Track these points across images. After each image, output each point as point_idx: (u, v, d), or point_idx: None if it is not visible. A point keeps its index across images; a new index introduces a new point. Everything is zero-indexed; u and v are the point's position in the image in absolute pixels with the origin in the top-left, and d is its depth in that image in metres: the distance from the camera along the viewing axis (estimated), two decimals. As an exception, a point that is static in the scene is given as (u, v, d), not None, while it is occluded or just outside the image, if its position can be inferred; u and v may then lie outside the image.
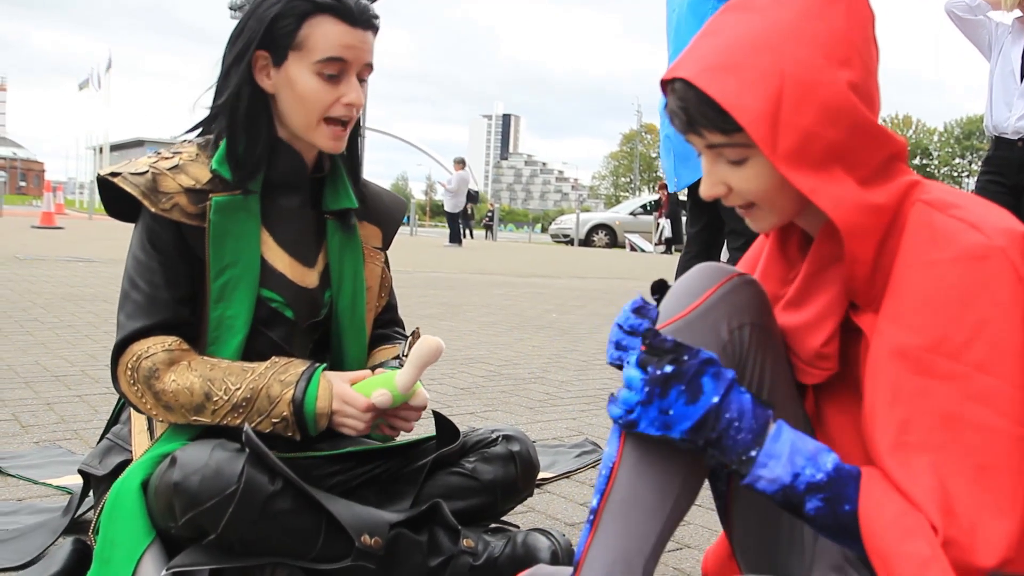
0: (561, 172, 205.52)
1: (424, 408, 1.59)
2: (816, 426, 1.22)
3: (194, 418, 1.48)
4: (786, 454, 1.02)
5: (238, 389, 1.47)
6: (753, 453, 1.02)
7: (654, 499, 1.12)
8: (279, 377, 1.49)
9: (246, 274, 1.54)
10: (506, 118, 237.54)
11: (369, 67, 1.55)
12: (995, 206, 1.06)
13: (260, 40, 1.50)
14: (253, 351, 1.54)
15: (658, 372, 1.03)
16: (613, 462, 1.14)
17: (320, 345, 1.69)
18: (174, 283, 1.51)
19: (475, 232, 29.67)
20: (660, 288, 1.27)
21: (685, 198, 3.84)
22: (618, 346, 1.28)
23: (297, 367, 1.51)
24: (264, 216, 1.58)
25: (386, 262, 1.79)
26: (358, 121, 1.63)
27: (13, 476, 2.16)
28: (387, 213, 1.78)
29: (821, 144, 1.03)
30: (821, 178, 1.04)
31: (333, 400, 1.49)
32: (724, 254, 3.82)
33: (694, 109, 1.07)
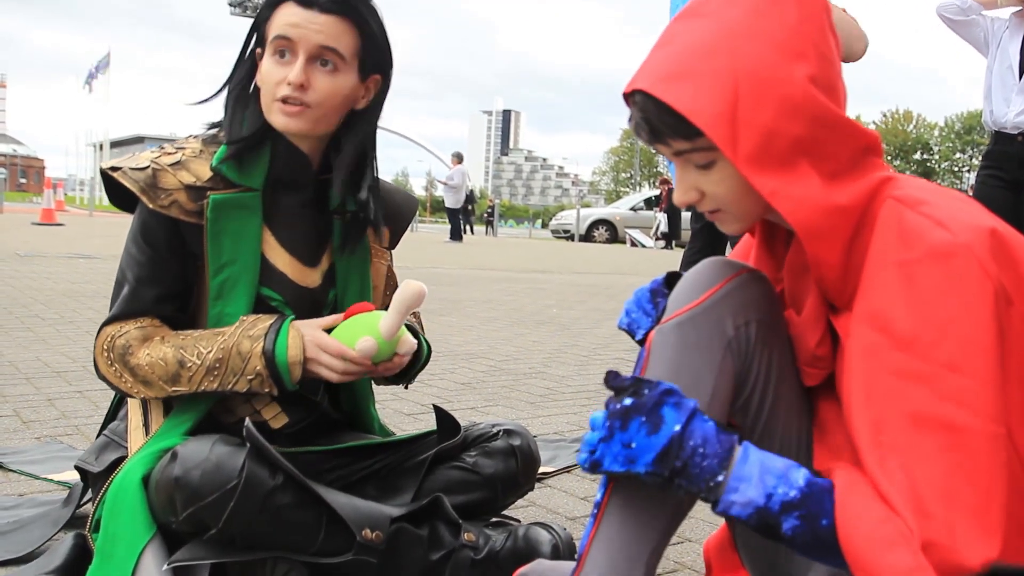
0: (561, 168, 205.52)
1: (412, 352, 1.55)
2: (815, 429, 1.21)
3: (172, 388, 1.48)
4: (756, 475, 1.00)
5: (209, 352, 1.47)
6: (720, 478, 1.01)
7: (658, 493, 1.12)
8: (247, 333, 1.48)
9: (245, 272, 1.54)
10: (506, 113, 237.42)
11: (328, 50, 1.49)
12: (967, 201, 1.05)
13: (257, 40, 1.54)
14: None
15: (617, 406, 1.03)
16: None
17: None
18: (158, 280, 1.53)
19: (475, 228, 29.65)
20: (674, 281, 1.27)
21: None
22: (629, 315, 1.28)
23: (265, 321, 1.50)
24: (267, 215, 1.57)
25: (391, 260, 1.79)
26: (370, 122, 1.61)
27: (14, 471, 2.16)
28: (397, 212, 1.77)
29: (783, 141, 1.03)
30: (784, 179, 1.04)
31: (307, 347, 1.48)
32: (729, 249, 3.82)
33: (655, 119, 1.07)
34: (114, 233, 13.86)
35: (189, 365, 1.47)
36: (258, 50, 1.55)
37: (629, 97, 1.10)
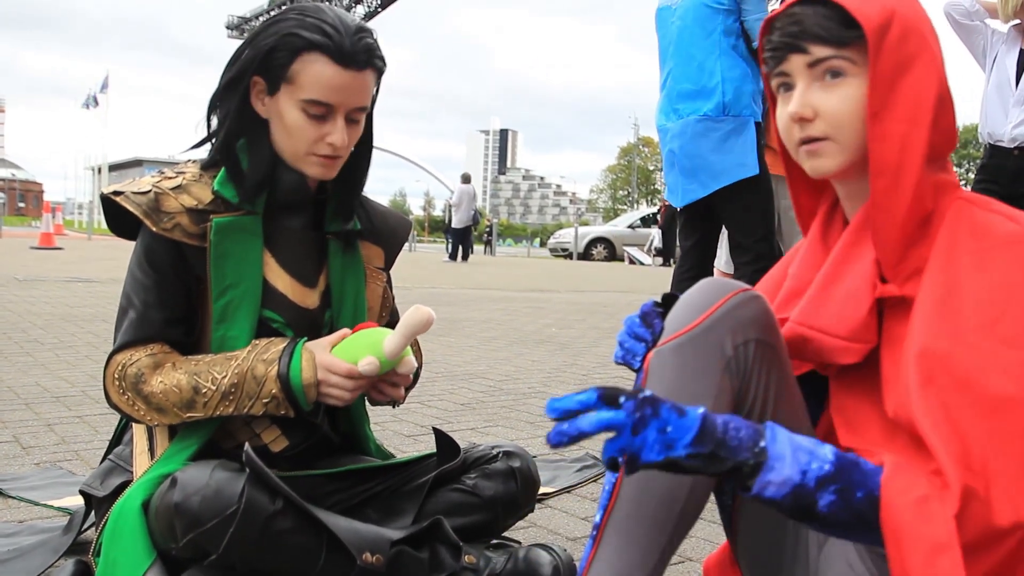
0: (559, 186, 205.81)
1: (412, 372, 1.58)
2: (837, 413, 1.23)
3: (187, 415, 1.48)
4: (789, 453, 0.96)
5: (224, 377, 1.47)
6: (763, 443, 0.96)
7: (658, 513, 1.12)
8: (261, 357, 1.49)
9: (248, 295, 1.54)
10: (503, 133, 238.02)
11: (361, 110, 1.54)
12: None
13: (256, 67, 1.51)
14: None
15: (641, 396, 0.95)
16: (616, 476, 1.14)
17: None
18: (166, 303, 1.52)
19: (474, 247, 29.66)
20: (669, 302, 1.27)
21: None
22: (623, 347, 1.27)
23: (278, 344, 1.51)
24: (266, 237, 1.58)
25: (388, 282, 1.79)
26: (368, 149, 1.65)
27: (14, 498, 2.15)
28: (390, 233, 1.78)
29: (912, 79, 1.11)
30: (890, 111, 1.11)
31: (321, 371, 1.49)
32: (720, 261, 3.82)
33: (811, 20, 1.14)
34: (112, 256, 13.87)
35: (204, 391, 1.47)
36: (256, 77, 1.53)
37: (782, 13, 1.17)
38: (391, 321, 1.82)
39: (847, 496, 0.97)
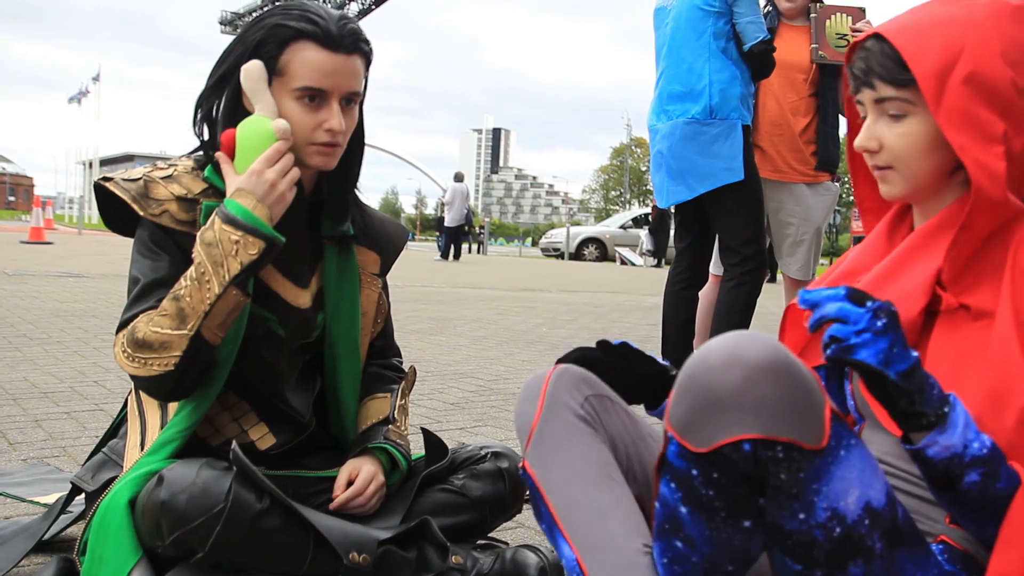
0: (551, 186, 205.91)
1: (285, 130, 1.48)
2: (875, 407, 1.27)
3: (189, 327, 1.42)
4: (962, 425, 1.04)
5: (189, 271, 1.44)
6: (946, 409, 1.04)
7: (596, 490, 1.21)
8: (202, 236, 1.44)
9: None
10: (496, 132, 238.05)
11: (355, 94, 1.54)
12: None
13: (246, 63, 1.50)
14: (243, 367, 1.54)
15: (887, 306, 1.03)
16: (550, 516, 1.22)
17: (311, 366, 1.69)
18: (169, 278, 1.49)
19: (467, 246, 29.62)
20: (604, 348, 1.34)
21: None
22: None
23: (212, 206, 1.49)
24: None
25: (384, 288, 1.79)
26: (360, 144, 1.65)
27: (0, 494, 2.15)
28: (388, 240, 1.78)
29: (983, 117, 1.15)
30: (972, 140, 1.15)
31: (254, 183, 1.44)
32: (714, 265, 3.83)
33: (875, 61, 1.21)
34: (103, 252, 13.83)
35: (183, 294, 1.43)
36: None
37: (859, 45, 1.24)
38: (385, 329, 1.83)
39: (990, 481, 1.04)
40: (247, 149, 1.48)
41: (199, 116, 1.57)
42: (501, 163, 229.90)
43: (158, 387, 1.47)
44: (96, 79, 37.54)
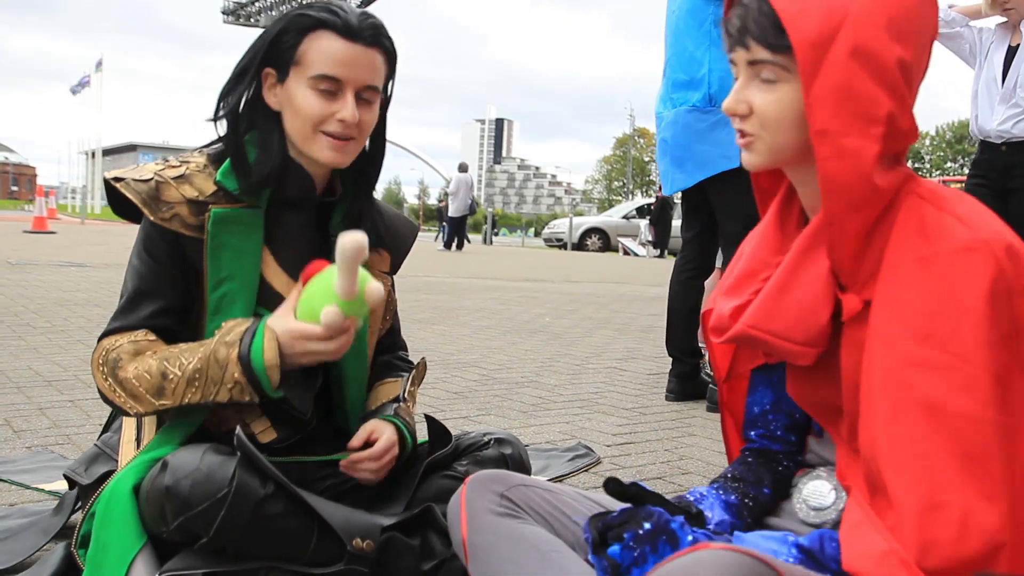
0: (554, 176, 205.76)
1: (381, 296, 1.40)
2: (802, 404, 1.24)
3: (159, 402, 1.44)
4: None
5: (190, 363, 1.44)
6: None
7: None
8: (224, 340, 1.44)
9: (243, 290, 1.53)
10: (499, 122, 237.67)
11: (373, 89, 1.51)
12: (980, 204, 1.09)
13: (266, 56, 1.50)
14: None
15: (641, 532, 1.08)
16: None
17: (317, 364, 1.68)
18: (158, 292, 1.52)
19: (469, 237, 29.59)
20: (614, 487, 1.24)
21: (679, 202, 3.86)
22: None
23: (241, 325, 1.46)
24: (267, 234, 1.56)
25: (392, 286, 1.78)
26: (380, 148, 1.63)
27: (5, 481, 2.15)
28: (398, 238, 1.77)
29: (858, 96, 1.06)
30: (840, 128, 1.06)
31: (292, 343, 1.40)
32: (720, 260, 3.83)
33: (752, 19, 1.11)
34: (105, 242, 13.84)
35: (171, 377, 1.44)
36: (268, 69, 1.52)
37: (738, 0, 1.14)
38: (393, 326, 1.82)
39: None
40: (312, 298, 1.41)
41: (222, 109, 1.55)
42: (504, 153, 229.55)
43: (121, 413, 1.52)
44: (99, 66, 37.44)
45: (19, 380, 3.40)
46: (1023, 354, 1.00)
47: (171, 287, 1.52)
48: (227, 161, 1.54)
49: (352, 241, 1.32)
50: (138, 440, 1.54)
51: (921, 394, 1.00)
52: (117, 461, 1.55)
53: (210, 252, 1.51)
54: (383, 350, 1.80)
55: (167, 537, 1.36)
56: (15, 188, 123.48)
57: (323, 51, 1.47)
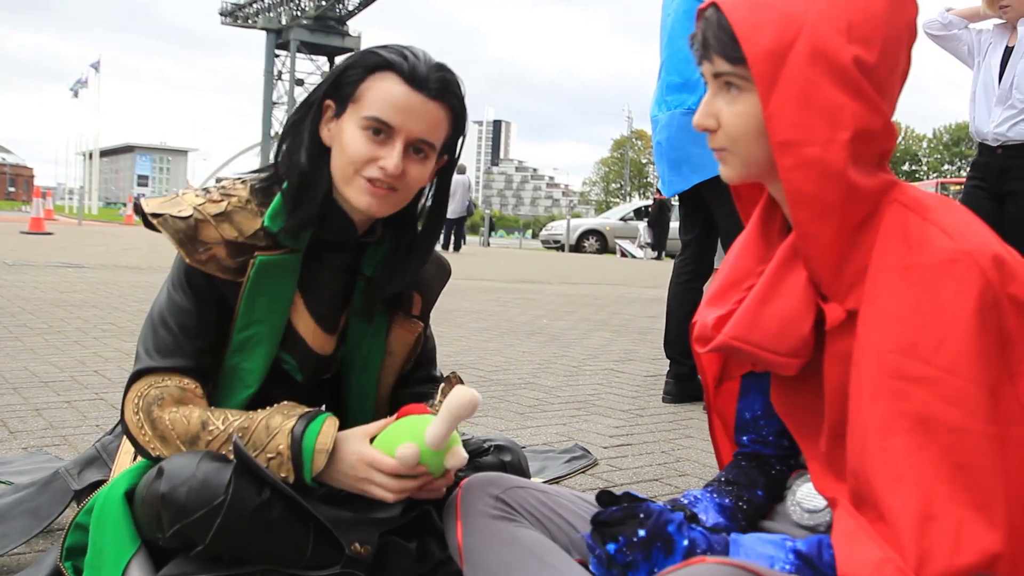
0: (552, 178, 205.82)
1: (463, 465, 1.42)
2: (784, 415, 1.24)
3: (188, 450, 1.40)
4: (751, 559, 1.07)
5: (237, 420, 1.41)
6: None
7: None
8: (282, 411, 1.42)
9: (270, 334, 1.50)
10: (496, 124, 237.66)
11: (428, 145, 1.44)
12: (969, 213, 1.08)
13: (329, 88, 1.45)
14: (256, 404, 1.50)
15: (635, 539, 1.09)
16: None
17: (325, 400, 1.68)
18: (204, 330, 1.47)
19: (466, 237, 29.60)
20: (607, 499, 1.24)
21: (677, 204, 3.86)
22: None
23: (303, 408, 1.44)
24: (301, 278, 1.53)
25: (426, 329, 1.72)
26: (437, 217, 1.58)
27: (1, 482, 2.14)
28: (430, 281, 1.70)
29: (820, 104, 1.05)
30: (802, 137, 1.05)
31: (356, 464, 1.38)
32: (717, 260, 3.83)
33: (711, 33, 1.12)
34: (103, 243, 13.82)
35: (211, 428, 1.40)
36: (328, 101, 1.47)
37: (702, 12, 1.15)
38: (422, 360, 1.74)
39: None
40: (397, 432, 1.39)
41: (283, 145, 1.50)
42: (502, 155, 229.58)
43: (141, 452, 1.46)
44: (96, 68, 37.41)
45: (15, 381, 3.39)
46: (1012, 363, 1.00)
47: (212, 324, 1.48)
48: (276, 200, 1.49)
49: (468, 396, 1.32)
50: (136, 452, 1.53)
51: (909, 407, 0.99)
52: (111, 468, 1.54)
53: (246, 297, 1.47)
54: (414, 383, 1.74)
55: (163, 544, 1.36)
56: (12, 189, 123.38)
57: (382, 93, 1.41)
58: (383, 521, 1.49)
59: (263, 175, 1.52)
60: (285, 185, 1.48)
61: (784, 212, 1.22)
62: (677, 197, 3.71)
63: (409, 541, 1.50)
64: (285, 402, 1.45)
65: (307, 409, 1.43)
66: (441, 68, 1.44)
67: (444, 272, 1.74)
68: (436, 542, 1.51)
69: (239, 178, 1.55)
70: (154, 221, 1.46)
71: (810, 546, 1.07)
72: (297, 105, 1.51)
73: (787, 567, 1.05)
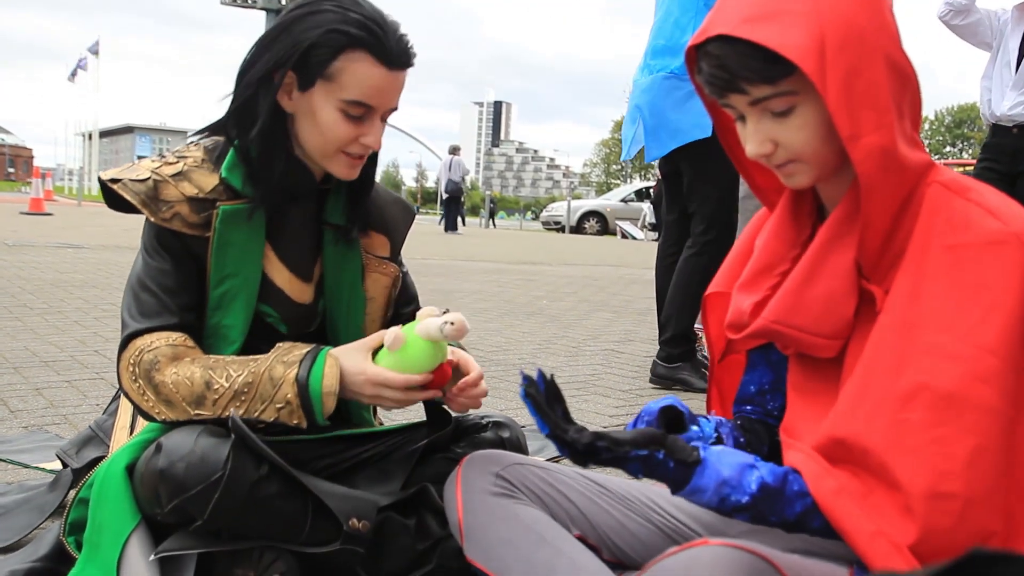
0: (552, 159, 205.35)
1: (460, 338, 1.45)
2: (794, 391, 1.24)
3: (196, 412, 1.41)
4: (712, 487, 1.05)
5: (240, 375, 1.42)
6: (690, 482, 1.06)
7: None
8: (282, 359, 1.43)
9: (246, 286, 1.51)
10: (497, 105, 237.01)
11: (394, 110, 1.50)
12: (1002, 194, 1.09)
13: (294, 63, 1.42)
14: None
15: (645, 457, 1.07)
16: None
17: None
18: (184, 288, 1.48)
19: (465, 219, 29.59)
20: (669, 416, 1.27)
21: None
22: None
23: (301, 348, 1.45)
24: (268, 229, 1.54)
25: (400, 269, 1.73)
26: (375, 153, 1.60)
27: (3, 460, 2.15)
28: (394, 222, 1.73)
29: (866, 84, 1.04)
30: (862, 122, 1.04)
31: (366, 387, 1.42)
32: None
33: (735, 64, 1.06)
34: (102, 224, 13.81)
35: (216, 387, 1.41)
36: (289, 72, 1.43)
37: (699, 49, 1.10)
38: (404, 313, 1.76)
39: (760, 519, 1.07)
40: (410, 356, 1.43)
41: (235, 114, 1.48)
42: (502, 136, 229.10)
43: (145, 417, 1.46)
44: (94, 51, 37.23)
45: (16, 360, 3.40)
46: None
47: (191, 281, 1.49)
48: (230, 155, 1.51)
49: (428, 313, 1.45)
50: (132, 427, 1.53)
51: (936, 383, 0.99)
52: (108, 445, 1.54)
53: (215, 249, 1.48)
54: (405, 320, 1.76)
55: (162, 519, 1.36)
56: (11, 170, 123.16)
57: (360, 77, 1.41)
58: (382, 497, 1.50)
59: (214, 138, 1.54)
60: (236, 141, 1.50)
61: (821, 196, 1.21)
62: (660, 174, 3.67)
63: (408, 518, 1.50)
64: (280, 344, 1.46)
65: (304, 350, 1.44)
66: (401, 35, 1.45)
67: (408, 213, 1.77)
68: (435, 518, 1.51)
69: (191, 142, 1.57)
70: (114, 187, 1.47)
71: (776, 478, 1.06)
72: (247, 68, 1.46)
73: (744, 499, 1.04)
